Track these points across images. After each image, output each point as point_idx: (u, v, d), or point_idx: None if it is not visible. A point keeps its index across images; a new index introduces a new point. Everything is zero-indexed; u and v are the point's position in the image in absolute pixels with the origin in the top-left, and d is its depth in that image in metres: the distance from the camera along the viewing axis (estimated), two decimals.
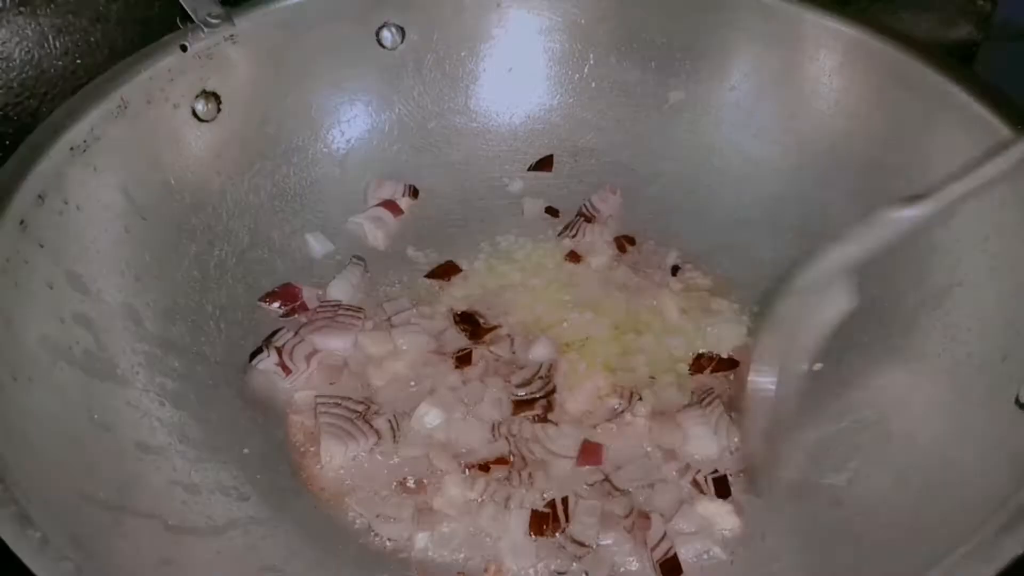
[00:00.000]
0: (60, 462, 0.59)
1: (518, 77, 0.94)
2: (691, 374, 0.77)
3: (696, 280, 0.85)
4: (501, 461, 0.71)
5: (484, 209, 0.91)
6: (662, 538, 0.66)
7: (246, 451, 0.71)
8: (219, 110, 0.82)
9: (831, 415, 0.73)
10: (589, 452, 0.71)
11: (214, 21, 0.80)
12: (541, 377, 0.76)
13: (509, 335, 0.79)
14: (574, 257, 0.86)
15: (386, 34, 0.90)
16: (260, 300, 0.81)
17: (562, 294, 0.83)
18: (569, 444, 0.72)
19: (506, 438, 0.72)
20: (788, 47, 0.86)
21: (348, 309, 0.80)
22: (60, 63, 0.85)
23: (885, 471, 0.67)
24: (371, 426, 0.72)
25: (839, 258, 0.62)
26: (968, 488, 0.60)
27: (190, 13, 0.79)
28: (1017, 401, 0.61)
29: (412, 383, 0.76)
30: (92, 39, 0.86)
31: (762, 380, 0.65)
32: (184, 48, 0.78)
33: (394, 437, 0.72)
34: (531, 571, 0.66)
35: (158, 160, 0.78)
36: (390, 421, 0.73)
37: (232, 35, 0.81)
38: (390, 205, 0.89)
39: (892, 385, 0.72)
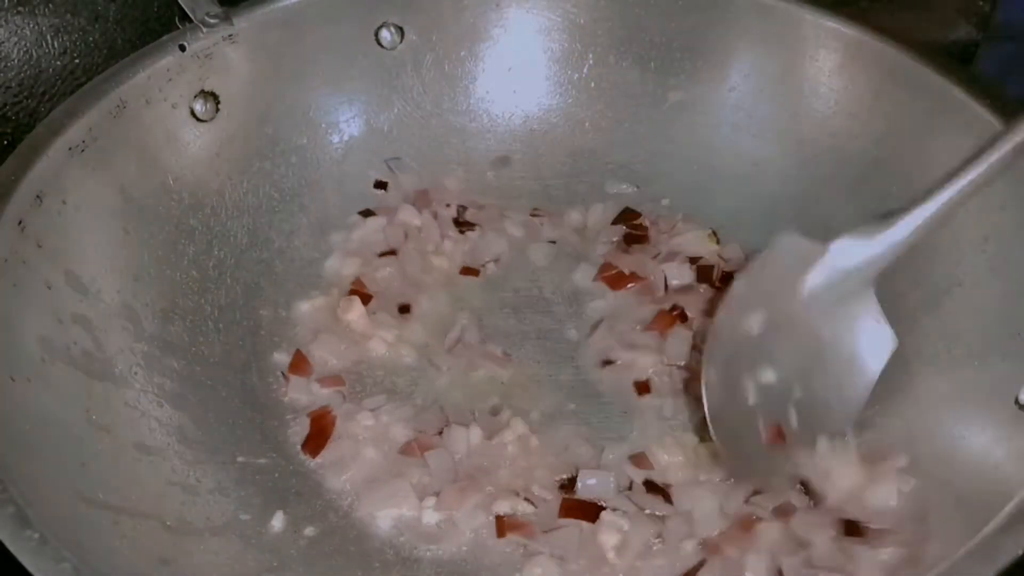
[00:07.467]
0: (58, 462, 0.59)
1: (517, 77, 0.93)
2: None
3: None
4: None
5: None
6: None
7: (244, 452, 0.71)
8: (218, 110, 0.82)
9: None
10: None
11: (213, 21, 0.80)
12: None
13: None
14: None
15: (385, 34, 0.90)
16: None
17: None
18: None
19: None
20: (788, 47, 0.86)
21: None
22: (58, 63, 0.85)
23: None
24: None
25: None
26: (968, 488, 0.60)
27: (189, 13, 0.79)
28: (1017, 401, 0.61)
29: None
30: (90, 39, 0.86)
31: None
32: (183, 48, 0.78)
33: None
34: None
35: (156, 160, 0.78)
36: None
37: (231, 35, 0.81)
38: None
39: (892, 385, 0.72)
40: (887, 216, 0.62)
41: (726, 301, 0.66)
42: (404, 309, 0.81)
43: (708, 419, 0.65)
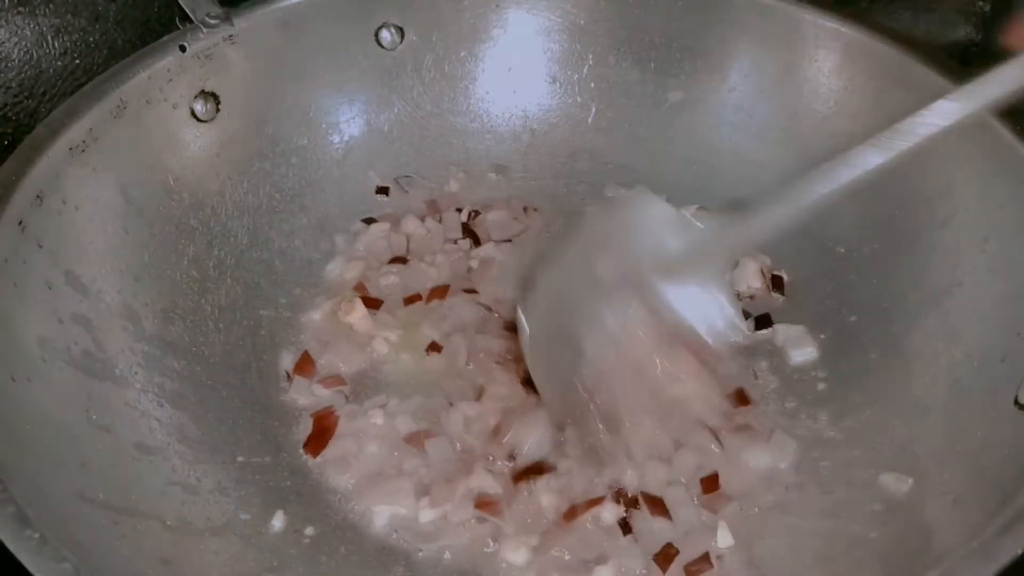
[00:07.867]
0: (59, 462, 0.59)
1: (517, 77, 0.94)
2: None
3: None
4: None
5: None
6: None
7: (244, 452, 0.71)
8: (218, 110, 0.82)
9: (830, 415, 0.73)
10: None
11: (213, 21, 0.80)
12: None
13: None
14: None
15: (385, 34, 0.90)
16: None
17: None
18: None
19: None
20: (787, 48, 0.86)
21: None
22: (59, 63, 0.85)
23: (884, 472, 0.67)
24: None
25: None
26: (968, 488, 0.60)
27: (189, 13, 0.79)
28: (1016, 401, 0.61)
29: None
30: (91, 39, 0.86)
31: None
32: (183, 48, 0.78)
33: None
34: None
35: (157, 160, 0.78)
36: None
37: (231, 35, 0.81)
38: None
39: (892, 385, 0.72)
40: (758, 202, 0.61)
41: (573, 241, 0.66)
42: (434, 348, 0.79)
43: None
